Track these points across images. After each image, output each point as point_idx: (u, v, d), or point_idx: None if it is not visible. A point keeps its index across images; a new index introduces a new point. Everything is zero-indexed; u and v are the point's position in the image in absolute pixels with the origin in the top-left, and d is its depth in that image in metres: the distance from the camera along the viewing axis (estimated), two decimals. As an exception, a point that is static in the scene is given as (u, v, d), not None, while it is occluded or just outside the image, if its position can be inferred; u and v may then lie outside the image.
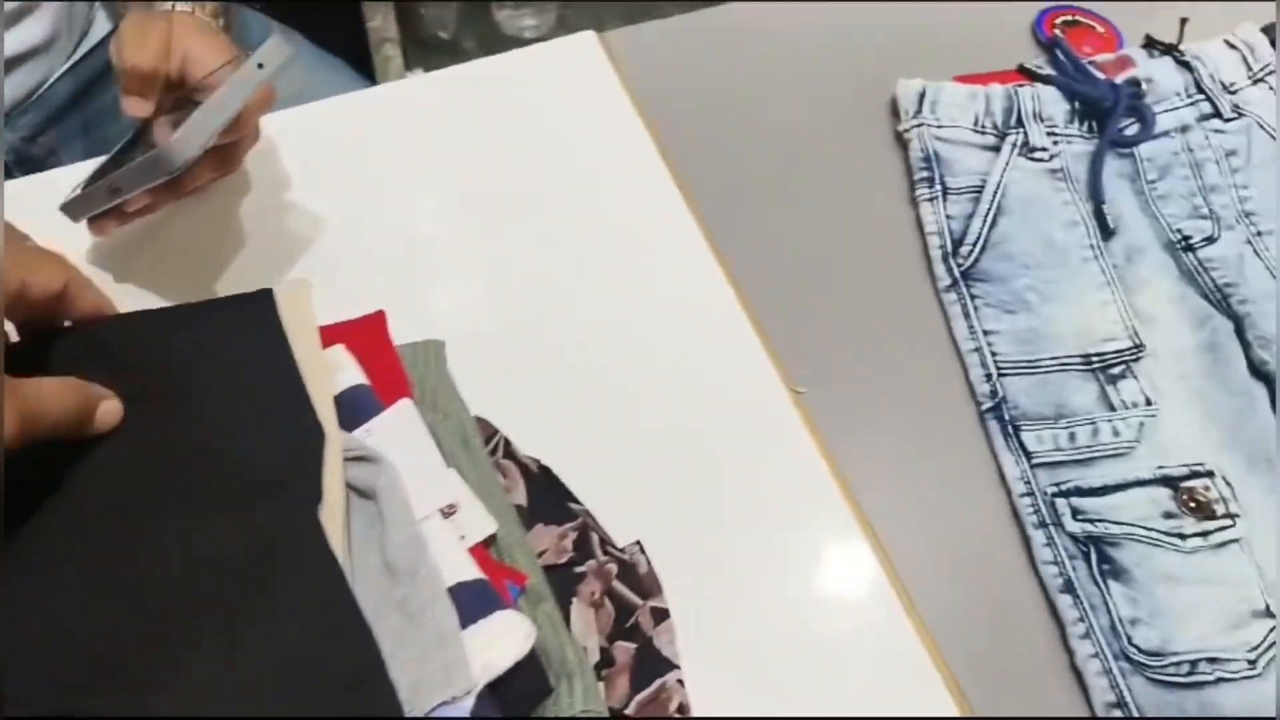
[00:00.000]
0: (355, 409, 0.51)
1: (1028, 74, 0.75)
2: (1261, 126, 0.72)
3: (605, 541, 0.52)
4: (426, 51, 1.55)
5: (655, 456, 0.56)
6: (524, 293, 0.63)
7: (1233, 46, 0.76)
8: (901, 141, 0.72)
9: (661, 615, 0.50)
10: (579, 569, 0.51)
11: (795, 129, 0.73)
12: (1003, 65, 0.76)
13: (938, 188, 0.69)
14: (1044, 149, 0.70)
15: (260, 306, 0.52)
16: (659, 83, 0.74)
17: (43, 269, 0.48)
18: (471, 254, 0.65)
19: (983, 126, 0.71)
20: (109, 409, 0.47)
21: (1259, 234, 0.69)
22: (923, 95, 0.72)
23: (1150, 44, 0.76)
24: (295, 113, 0.71)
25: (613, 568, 0.51)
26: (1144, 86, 0.73)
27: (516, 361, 0.60)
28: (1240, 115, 0.73)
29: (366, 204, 0.67)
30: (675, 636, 0.49)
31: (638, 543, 0.53)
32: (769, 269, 0.65)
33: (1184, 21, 0.76)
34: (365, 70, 1.42)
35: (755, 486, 0.56)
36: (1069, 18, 0.80)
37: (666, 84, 0.74)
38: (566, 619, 0.48)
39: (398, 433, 0.49)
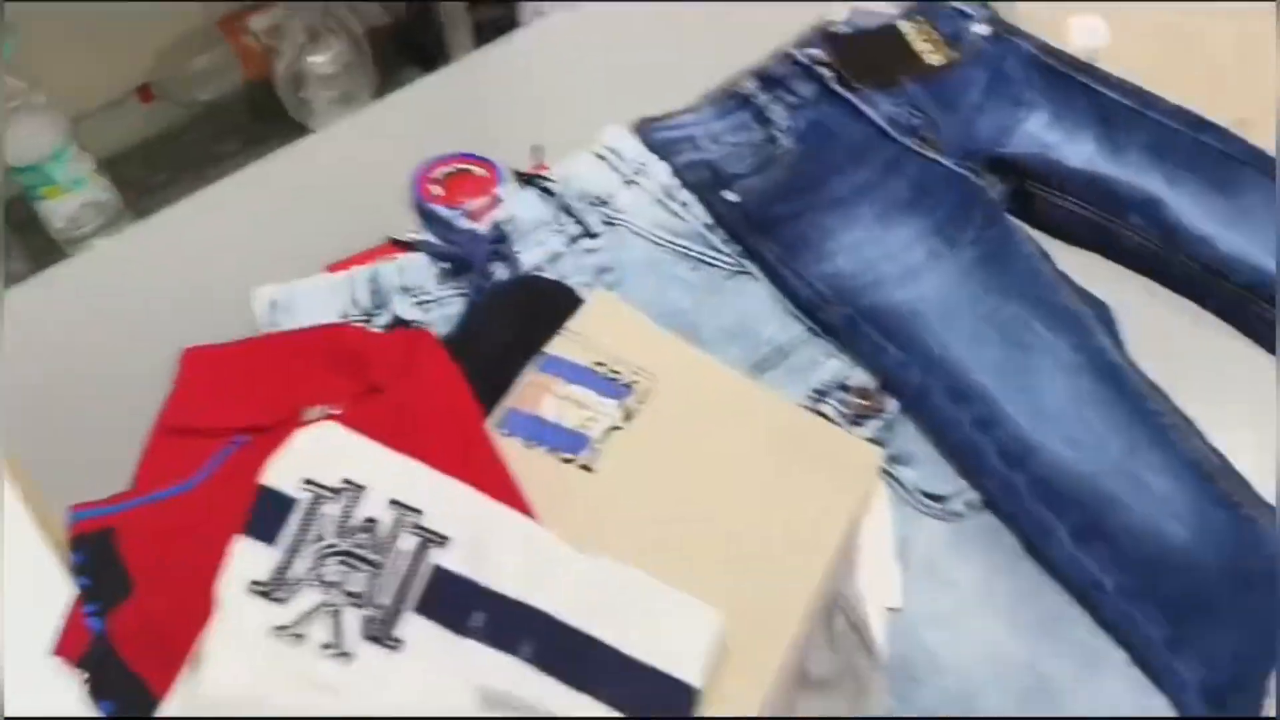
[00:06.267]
0: None
1: (399, 244, 0.72)
2: (636, 233, 0.72)
3: None
4: None
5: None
6: None
7: (600, 157, 0.75)
8: (276, 353, 0.68)
9: None
10: None
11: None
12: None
13: (303, 397, 0.65)
14: (413, 321, 0.67)
15: None
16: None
17: None
18: None
19: (350, 316, 0.68)
20: None
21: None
22: (275, 302, 0.68)
23: (517, 176, 0.75)
24: None
25: None
26: (507, 227, 0.71)
27: None
28: (612, 226, 0.72)
29: None
30: None
31: None
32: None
33: (536, 149, 0.76)
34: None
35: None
36: (449, 168, 0.78)
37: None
38: None
39: None
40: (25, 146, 1.31)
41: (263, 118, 1.61)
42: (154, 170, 1.57)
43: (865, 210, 0.73)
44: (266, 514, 0.50)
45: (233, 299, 0.69)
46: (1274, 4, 0.83)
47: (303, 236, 0.75)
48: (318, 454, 0.52)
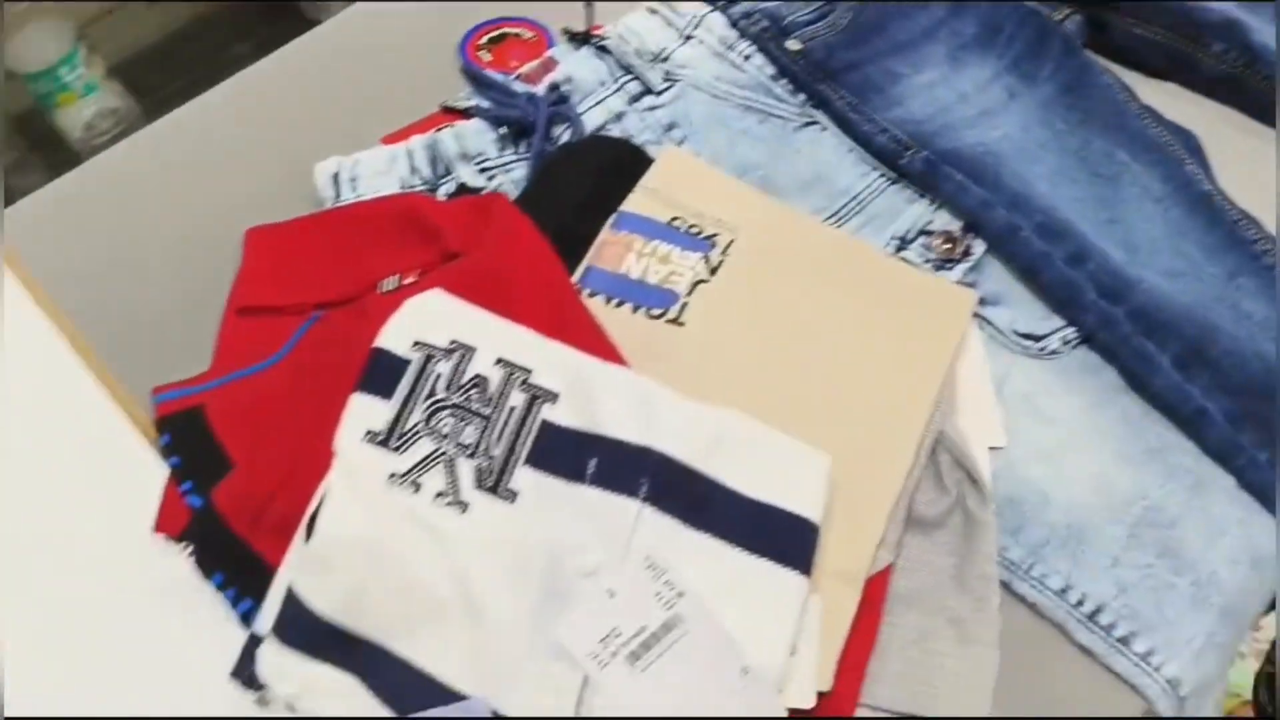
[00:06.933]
0: None
1: (452, 112, 0.70)
2: (698, 88, 0.69)
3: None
4: None
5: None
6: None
7: (654, 12, 0.72)
8: (340, 229, 0.66)
9: None
10: None
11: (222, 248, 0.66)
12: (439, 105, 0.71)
13: (374, 270, 0.63)
14: (480, 188, 0.65)
15: None
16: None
17: None
18: None
19: (412, 187, 0.66)
20: None
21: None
22: (337, 175, 0.66)
23: (569, 37, 0.72)
24: None
25: None
26: (566, 88, 0.69)
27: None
28: (674, 83, 0.70)
29: None
30: None
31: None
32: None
33: (590, 4, 0.73)
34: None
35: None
36: (494, 33, 0.75)
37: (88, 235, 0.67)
38: None
39: None
40: (33, 52, 1.27)
41: (274, 18, 1.56)
42: (170, 76, 1.53)
43: (934, 52, 0.70)
44: (380, 373, 0.49)
45: (287, 178, 0.67)
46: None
47: (353, 112, 0.72)
48: (426, 318, 0.51)
